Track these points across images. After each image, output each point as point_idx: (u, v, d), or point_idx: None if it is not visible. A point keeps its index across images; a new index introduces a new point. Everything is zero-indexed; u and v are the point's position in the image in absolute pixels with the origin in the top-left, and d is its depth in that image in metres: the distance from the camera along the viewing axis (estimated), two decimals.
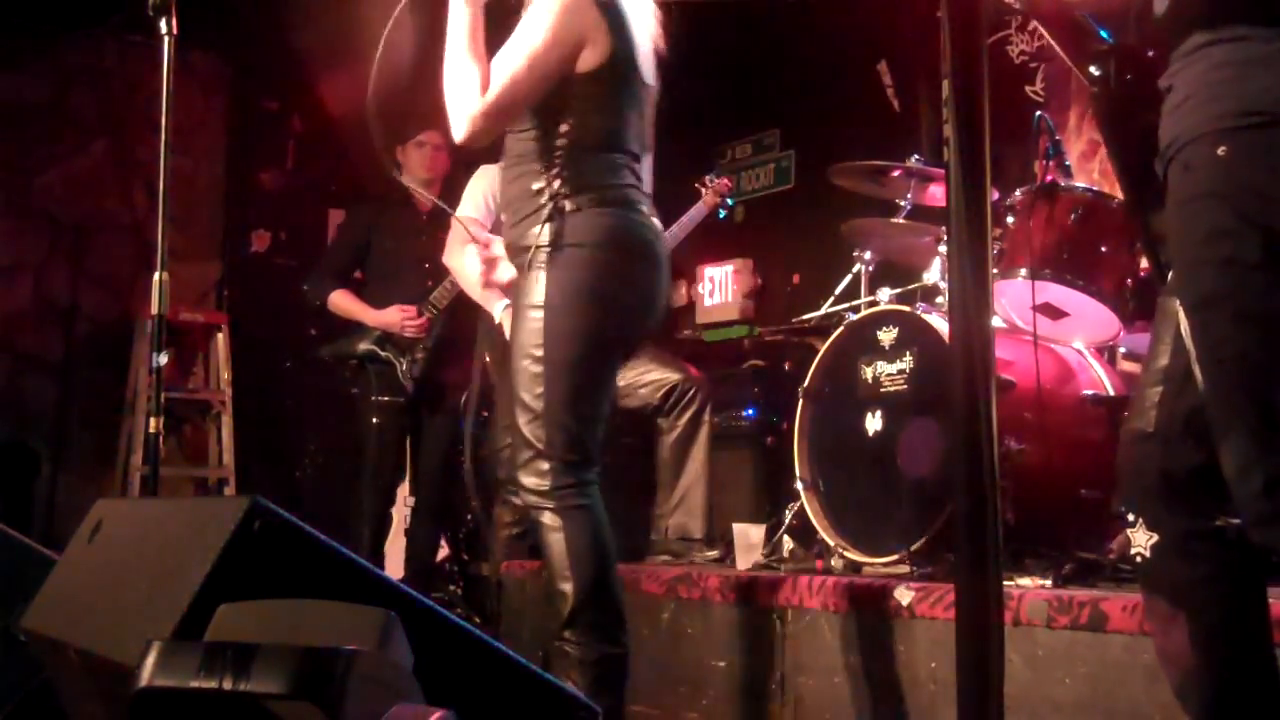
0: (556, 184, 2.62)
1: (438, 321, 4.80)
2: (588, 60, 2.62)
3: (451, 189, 5.06)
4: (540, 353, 2.58)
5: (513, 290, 2.78)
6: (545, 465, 2.59)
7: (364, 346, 4.80)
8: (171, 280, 2.90)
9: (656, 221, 2.79)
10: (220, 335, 6.21)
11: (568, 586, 2.57)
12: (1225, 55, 1.68)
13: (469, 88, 2.55)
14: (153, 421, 2.93)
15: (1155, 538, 1.80)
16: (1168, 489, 1.78)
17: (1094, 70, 1.93)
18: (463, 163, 4.64)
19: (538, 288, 2.60)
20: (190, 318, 6.17)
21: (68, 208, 6.27)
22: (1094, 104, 2.00)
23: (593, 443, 2.66)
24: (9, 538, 2.66)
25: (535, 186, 2.64)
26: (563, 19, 2.57)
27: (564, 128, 2.64)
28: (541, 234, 2.61)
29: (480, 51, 2.59)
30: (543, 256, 2.61)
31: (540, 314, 2.59)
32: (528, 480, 2.61)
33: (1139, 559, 1.82)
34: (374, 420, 4.80)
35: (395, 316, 4.76)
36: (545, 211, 2.62)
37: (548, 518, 2.59)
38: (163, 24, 2.90)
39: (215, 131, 6.60)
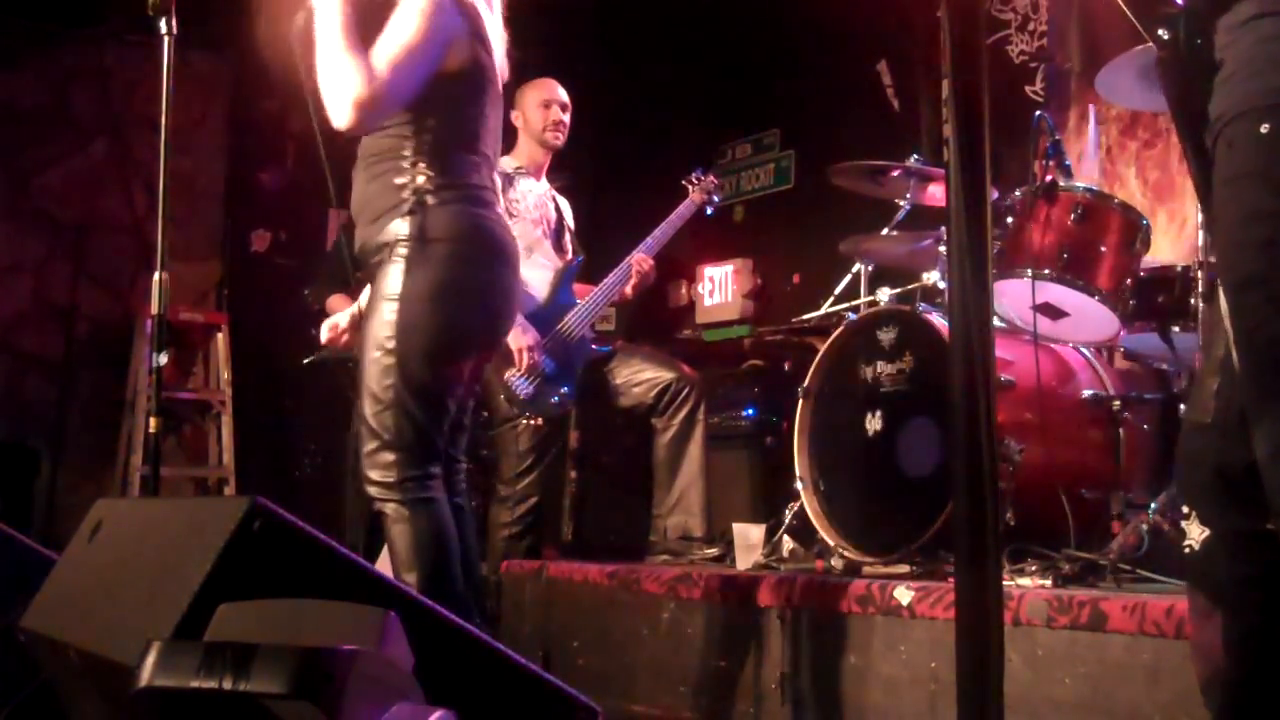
0: (420, 179, 2.65)
1: None
2: (453, 61, 2.66)
3: None
4: (393, 344, 2.58)
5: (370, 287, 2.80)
6: (391, 457, 2.59)
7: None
8: (171, 280, 2.90)
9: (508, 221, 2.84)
10: (220, 335, 6.21)
11: (411, 577, 2.58)
12: (1274, 28, 1.63)
13: (351, 75, 2.54)
14: (153, 421, 2.93)
15: (1207, 533, 1.76)
16: (1223, 484, 1.74)
17: (1162, 33, 1.86)
18: None
19: (395, 279, 2.61)
20: (190, 318, 6.17)
21: (68, 208, 6.27)
22: (1160, 70, 1.91)
23: (439, 437, 2.67)
24: (9, 538, 2.66)
25: (398, 181, 2.66)
26: (434, 18, 2.61)
27: (430, 123, 2.66)
28: (402, 227, 2.63)
29: (356, 41, 2.58)
30: (403, 249, 2.62)
31: (396, 305, 2.59)
32: (373, 472, 2.60)
33: (1188, 550, 1.79)
34: None
35: None
36: (407, 205, 2.64)
37: (392, 509, 2.59)
38: (162, 24, 2.90)
39: (215, 131, 6.60)
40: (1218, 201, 1.70)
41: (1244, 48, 1.66)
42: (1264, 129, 1.60)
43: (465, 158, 2.71)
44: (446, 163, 2.67)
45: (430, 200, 2.63)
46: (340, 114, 2.54)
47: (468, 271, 2.64)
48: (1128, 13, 1.90)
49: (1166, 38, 1.84)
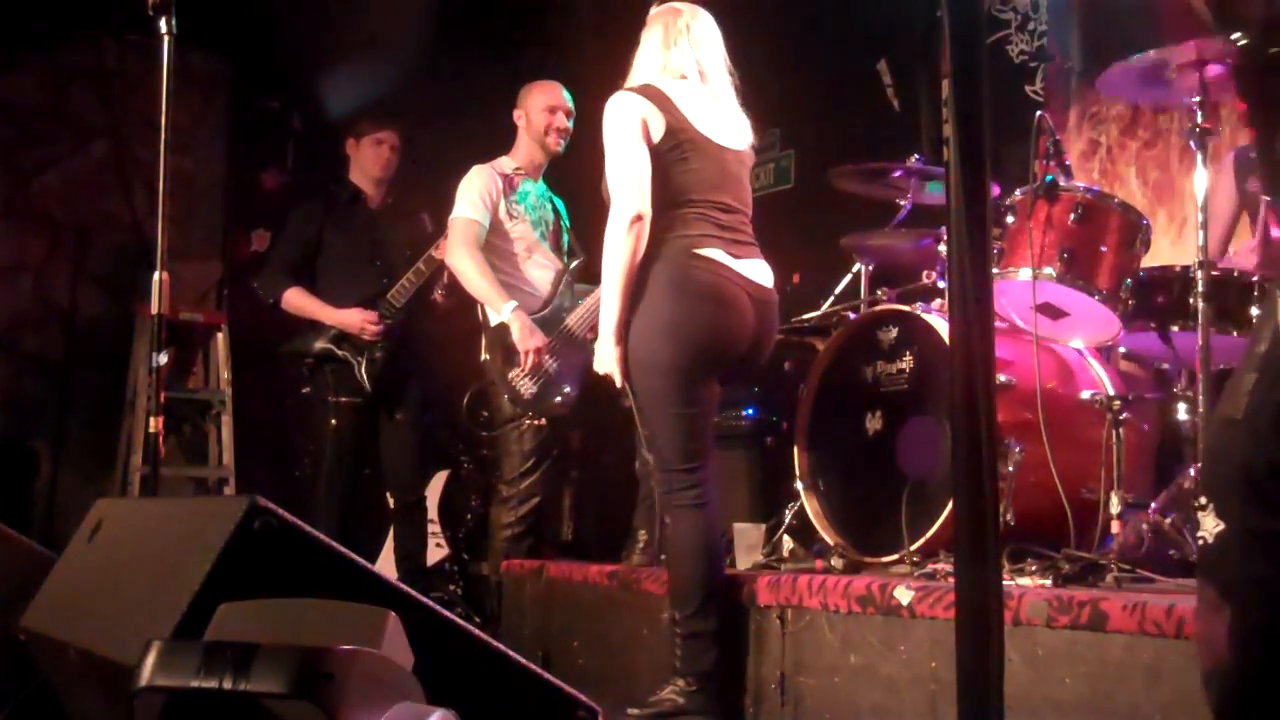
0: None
1: (396, 320, 4.76)
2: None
3: (422, 189, 5.03)
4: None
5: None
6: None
7: (320, 345, 4.69)
8: (171, 280, 2.90)
9: (730, 261, 3.25)
10: (220, 335, 6.20)
11: None
12: None
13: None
14: (153, 421, 2.93)
15: (1222, 526, 1.76)
16: (1245, 481, 1.72)
17: (1236, 37, 1.87)
18: (450, 162, 4.62)
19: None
20: (190, 318, 6.16)
21: (68, 208, 6.27)
22: (1235, 70, 1.94)
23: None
24: (9, 538, 2.66)
25: None
26: (626, 121, 3.32)
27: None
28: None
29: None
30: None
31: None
32: None
33: (1200, 541, 1.79)
34: (331, 422, 4.69)
35: (356, 318, 4.66)
36: None
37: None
38: (162, 24, 2.91)
39: (215, 131, 6.60)
40: None
41: None
42: None
43: (670, 214, 3.33)
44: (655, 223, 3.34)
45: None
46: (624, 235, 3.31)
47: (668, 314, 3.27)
48: (1204, 13, 1.93)
49: (1242, 43, 1.86)
